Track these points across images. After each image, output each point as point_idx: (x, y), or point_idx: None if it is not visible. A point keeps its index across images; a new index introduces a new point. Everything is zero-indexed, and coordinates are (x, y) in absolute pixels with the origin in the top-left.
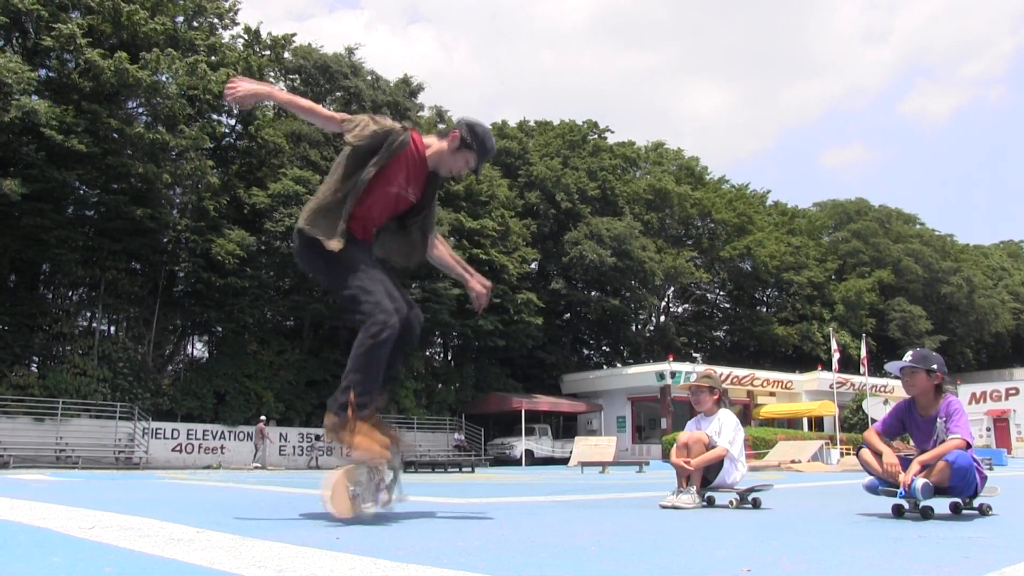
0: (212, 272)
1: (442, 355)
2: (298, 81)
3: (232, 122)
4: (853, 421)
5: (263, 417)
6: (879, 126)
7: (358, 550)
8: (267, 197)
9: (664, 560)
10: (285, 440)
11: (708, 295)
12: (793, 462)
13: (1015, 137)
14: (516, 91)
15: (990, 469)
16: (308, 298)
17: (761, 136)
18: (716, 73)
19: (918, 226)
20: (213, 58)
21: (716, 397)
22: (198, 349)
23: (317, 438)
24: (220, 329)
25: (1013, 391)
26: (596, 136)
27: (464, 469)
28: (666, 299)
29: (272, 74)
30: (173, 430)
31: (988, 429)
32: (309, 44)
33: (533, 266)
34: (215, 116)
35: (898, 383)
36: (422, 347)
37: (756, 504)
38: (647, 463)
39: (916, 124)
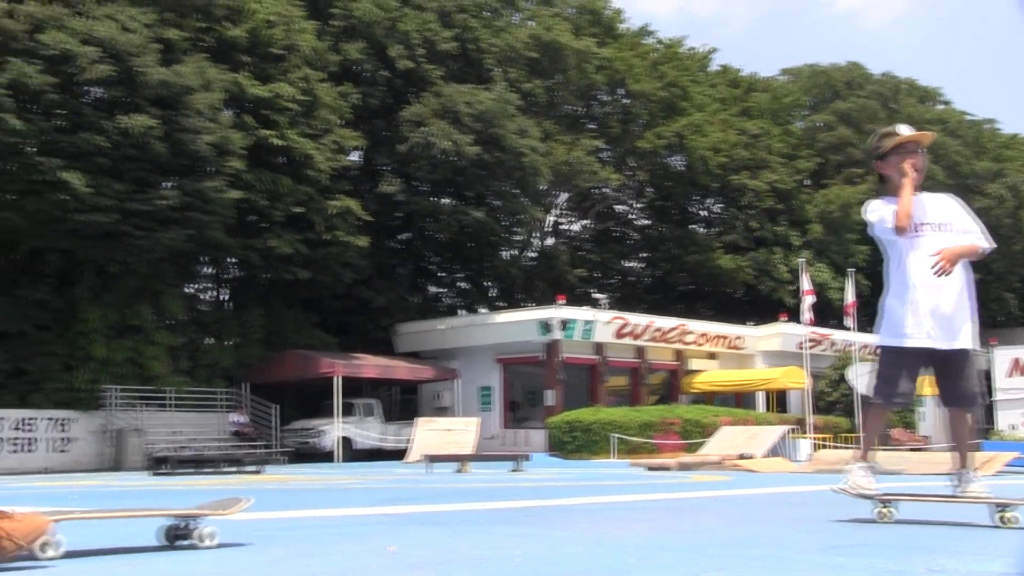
0: None
1: (214, 293)
2: None
3: None
4: (833, 398)
5: None
6: None
7: None
8: None
9: None
10: None
11: (619, 206)
12: (743, 457)
13: None
14: None
15: None
16: None
17: None
18: None
19: (940, 106)
20: None
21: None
22: None
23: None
24: None
25: None
26: None
27: (247, 468)
28: (556, 211)
29: None
30: None
31: None
32: None
33: (354, 158)
34: None
35: None
36: (181, 279)
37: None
38: (526, 457)
39: None
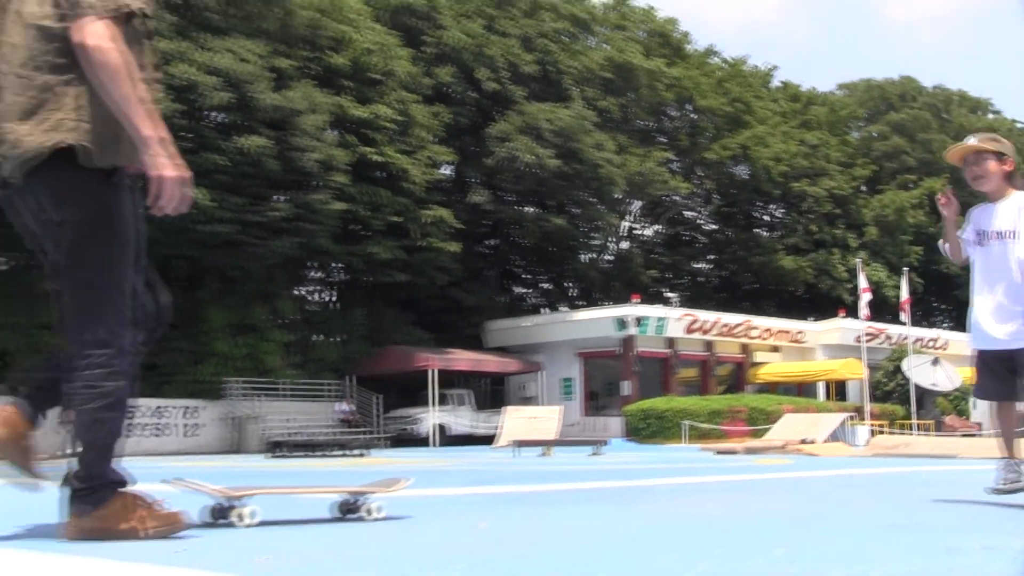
0: None
1: (321, 295)
2: None
3: None
4: (888, 387)
5: None
6: None
7: (205, 565)
8: None
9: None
10: None
11: (688, 212)
12: (804, 442)
13: None
14: None
15: None
16: None
17: None
18: None
19: (991, 115)
20: None
21: (1007, 169)
22: None
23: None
24: (2, 259)
25: None
26: None
27: (353, 451)
28: (630, 217)
29: None
30: None
31: None
32: None
33: (446, 171)
34: None
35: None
36: (293, 283)
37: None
38: (605, 442)
39: None
